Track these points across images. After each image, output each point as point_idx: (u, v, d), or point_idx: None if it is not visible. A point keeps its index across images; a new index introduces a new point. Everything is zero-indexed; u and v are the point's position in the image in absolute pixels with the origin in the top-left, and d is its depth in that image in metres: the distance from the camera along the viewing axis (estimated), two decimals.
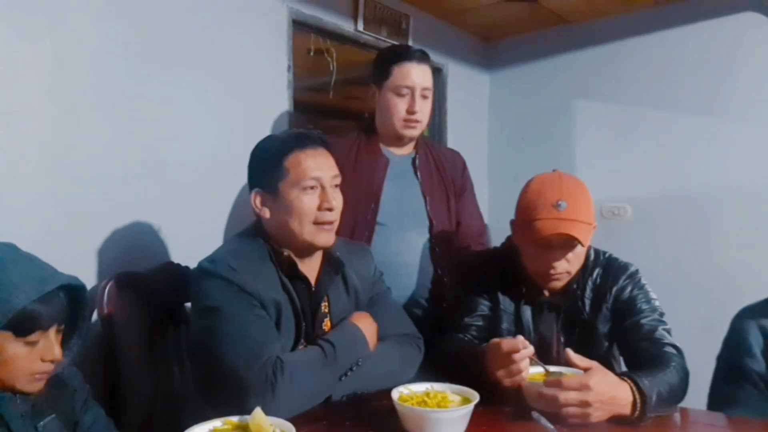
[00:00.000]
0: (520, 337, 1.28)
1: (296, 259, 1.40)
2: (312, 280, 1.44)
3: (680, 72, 2.94)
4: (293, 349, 1.37)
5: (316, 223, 1.38)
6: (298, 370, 1.25)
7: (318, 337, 1.38)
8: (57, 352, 1.08)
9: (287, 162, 1.37)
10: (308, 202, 1.37)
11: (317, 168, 1.38)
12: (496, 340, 1.33)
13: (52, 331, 1.07)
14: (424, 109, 1.92)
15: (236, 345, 1.25)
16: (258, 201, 1.42)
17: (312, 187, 1.37)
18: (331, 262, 1.47)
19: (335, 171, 1.42)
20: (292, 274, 1.39)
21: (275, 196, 1.39)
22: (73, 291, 1.12)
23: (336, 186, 1.43)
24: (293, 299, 1.37)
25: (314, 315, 1.42)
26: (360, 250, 1.64)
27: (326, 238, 1.40)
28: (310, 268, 1.45)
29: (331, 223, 1.40)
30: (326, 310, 1.46)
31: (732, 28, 2.82)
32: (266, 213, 1.41)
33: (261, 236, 1.42)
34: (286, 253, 1.39)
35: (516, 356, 1.26)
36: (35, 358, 1.06)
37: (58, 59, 1.64)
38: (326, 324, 1.45)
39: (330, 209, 1.38)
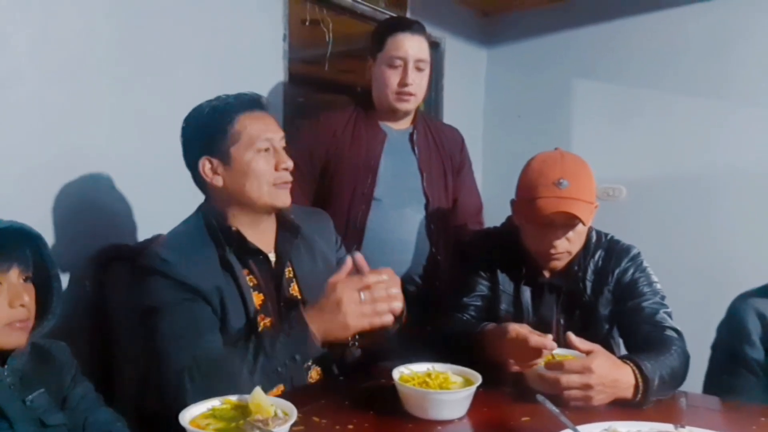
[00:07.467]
0: (550, 337, 1.25)
1: (246, 232, 1.36)
2: (270, 249, 1.42)
3: (683, 52, 2.89)
4: (251, 323, 1.32)
5: (275, 184, 1.37)
6: (211, 378, 1.19)
7: (287, 304, 1.37)
8: (26, 298, 1.06)
9: (238, 125, 1.34)
10: (264, 163, 1.36)
11: (268, 129, 1.37)
12: (517, 329, 1.28)
13: (13, 274, 1.06)
14: (418, 82, 1.87)
15: (166, 346, 1.24)
16: (208, 169, 1.35)
17: (266, 149, 1.36)
18: (287, 227, 1.45)
19: (281, 132, 1.41)
20: (244, 249, 1.36)
21: (227, 161, 1.35)
22: (32, 243, 1.10)
23: (283, 147, 1.42)
24: (236, 277, 1.33)
25: (278, 285, 1.39)
26: (318, 214, 1.63)
27: (284, 197, 1.40)
28: (265, 237, 1.42)
29: (288, 183, 1.40)
30: (291, 275, 1.43)
31: (737, 8, 2.76)
32: (219, 181, 1.36)
33: (206, 215, 1.38)
34: (234, 228, 1.35)
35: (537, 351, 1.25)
36: (2, 305, 1.04)
37: (46, 20, 1.57)
38: (293, 288, 1.43)
39: (287, 169, 1.38)
